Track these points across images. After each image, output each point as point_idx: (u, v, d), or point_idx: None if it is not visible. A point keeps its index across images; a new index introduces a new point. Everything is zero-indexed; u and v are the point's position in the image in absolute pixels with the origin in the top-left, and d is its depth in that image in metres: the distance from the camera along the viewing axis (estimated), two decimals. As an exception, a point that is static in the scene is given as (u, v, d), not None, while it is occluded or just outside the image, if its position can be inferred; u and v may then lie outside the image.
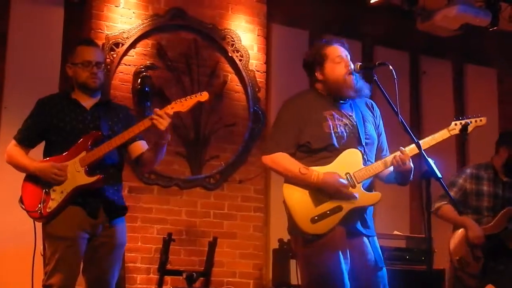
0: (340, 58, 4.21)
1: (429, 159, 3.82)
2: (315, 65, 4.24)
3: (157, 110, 4.20)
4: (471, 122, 4.23)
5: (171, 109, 4.21)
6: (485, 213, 5.64)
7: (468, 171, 5.77)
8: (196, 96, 4.30)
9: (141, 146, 4.45)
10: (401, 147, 4.04)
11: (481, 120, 4.30)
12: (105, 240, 4.25)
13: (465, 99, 9.07)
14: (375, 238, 4.24)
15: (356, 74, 4.19)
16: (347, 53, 4.26)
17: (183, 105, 4.26)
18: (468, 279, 5.59)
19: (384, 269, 4.17)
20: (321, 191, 4.02)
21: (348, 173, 4.06)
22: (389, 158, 4.10)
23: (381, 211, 7.33)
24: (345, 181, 4.00)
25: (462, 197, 5.67)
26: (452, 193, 5.57)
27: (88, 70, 4.34)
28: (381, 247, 6.77)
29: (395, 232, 7.29)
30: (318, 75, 4.23)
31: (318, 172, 4.02)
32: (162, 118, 4.16)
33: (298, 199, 4.05)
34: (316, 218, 4.00)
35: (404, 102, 8.11)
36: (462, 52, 9.16)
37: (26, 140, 4.38)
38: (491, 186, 5.70)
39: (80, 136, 4.27)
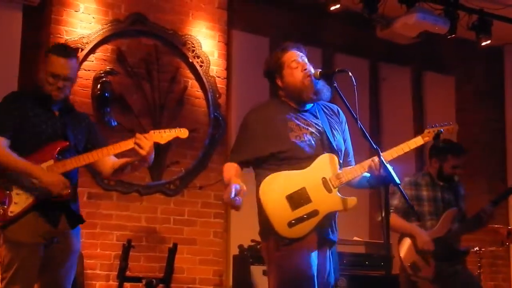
0: (296, 63, 4.22)
1: (388, 166, 3.85)
2: (275, 73, 4.26)
3: (138, 134, 4.24)
4: (443, 130, 4.29)
5: (150, 137, 4.26)
6: (427, 217, 5.78)
7: (407, 179, 5.94)
8: (175, 131, 4.41)
9: (111, 159, 4.42)
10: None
11: (453, 128, 4.36)
12: (61, 247, 4.21)
13: (423, 106, 9.16)
14: (335, 247, 4.29)
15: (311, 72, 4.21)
16: (304, 56, 4.27)
17: (162, 137, 4.35)
18: (423, 284, 5.70)
19: (333, 278, 4.24)
20: (298, 195, 4.02)
21: (324, 177, 4.07)
22: (366, 162, 4.10)
23: (341, 216, 7.32)
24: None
25: (404, 204, 5.77)
26: (395, 201, 5.68)
27: (54, 83, 4.21)
28: (341, 253, 6.87)
29: (355, 238, 7.33)
30: (279, 82, 4.25)
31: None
32: (142, 142, 4.21)
33: (275, 203, 4.02)
34: (293, 222, 3.98)
35: (363, 108, 8.17)
36: (421, 60, 9.25)
37: (9, 130, 4.16)
38: (430, 191, 5.89)
39: (47, 141, 4.19)
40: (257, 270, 6.53)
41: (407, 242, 5.79)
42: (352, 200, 4.14)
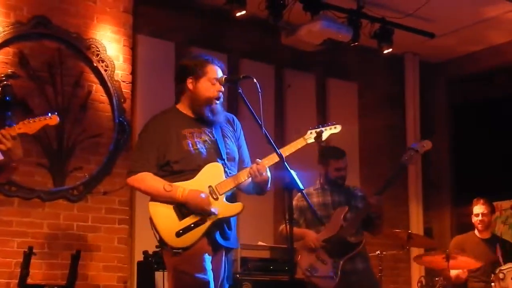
0: (216, 81, 4.32)
1: (291, 171, 3.92)
2: (191, 75, 4.31)
3: (2, 130, 4.02)
4: (325, 129, 4.41)
5: (17, 129, 4.04)
6: (323, 221, 5.90)
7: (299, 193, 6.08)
8: (45, 119, 4.18)
9: None
10: (257, 159, 4.18)
11: (335, 127, 4.47)
12: None
13: (327, 112, 9.29)
14: (231, 254, 4.37)
15: (221, 100, 4.31)
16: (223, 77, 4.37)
17: (30, 127, 4.11)
18: (322, 282, 5.80)
19: (227, 286, 4.35)
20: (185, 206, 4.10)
21: (211, 185, 4.18)
22: (246, 169, 4.22)
23: (245, 221, 7.41)
24: (205, 196, 4.08)
25: (300, 215, 6.03)
26: (294, 216, 5.88)
27: None
28: (245, 257, 6.91)
29: (259, 243, 7.38)
30: (189, 84, 4.31)
31: (184, 188, 4.13)
32: (5, 138, 3.99)
33: (163, 214, 4.14)
34: (180, 231, 4.10)
35: (268, 114, 8.24)
36: (325, 66, 9.39)
37: None
38: (320, 197, 6.12)
39: None
40: (161, 276, 6.50)
41: (300, 246, 5.93)
42: (238, 206, 4.25)
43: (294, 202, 5.86)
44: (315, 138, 4.36)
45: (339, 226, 5.91)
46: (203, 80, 4.30)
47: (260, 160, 4.17)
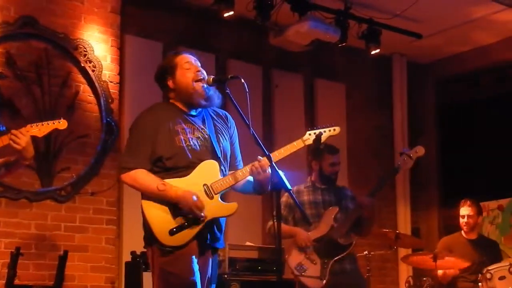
0: (189, 64, 4.30)
1: (279, 171, 3.91)
2: (167, 75, 4.31)
3: (13, 130, 4.12)
4: (324, 131, 4.35)
5: (26, 132, 4.13)
6: (310, 221, 5.89)
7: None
8: (54, 123, 4.28)
9: None
10: (259, 156, 4.12)
11: (334, 130, 4.40)
12: None
13: (315, 113, 9.30)
14: (217, 255, 4.36)
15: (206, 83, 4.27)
16: (197, 61, 4.33)
17: (39, 130, 4.22)
18: (310, 282, 5.81)
19: (214, 286, 4.32)
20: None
21: (206, 184, 4.12)
22: (247, 167, 4.17)
23: (233, 222, 7.38)
24: (197, 199, 4.04)
25: (289, 212, 6.02)
26: (284, 212, 5.88)
27: None
28: (233, 258, 6.90)
29: (247, 243, 7.38)
30: (170, 83, 4.30)
31: (177, 188, 4.06)
32: (17, 137, 4.08)
33: (157, 212, 4.08)
34: (174, 230, 4.04)
35: (256, 115, 8.23)
36: (313, 67, 9.40)
37: None
38: (311, 195, 6.10)
39: None
40: (149, 277, 6.46)
41: (290, 245, 5.94)
42: (233, 206, 4.20)
43: (284, 199, 5.85)
44: (314, 141, 4.30)
45: (330, 226, 5.91)
46: (178, 71, 4.27)
47: (261, 158, 4.11)
